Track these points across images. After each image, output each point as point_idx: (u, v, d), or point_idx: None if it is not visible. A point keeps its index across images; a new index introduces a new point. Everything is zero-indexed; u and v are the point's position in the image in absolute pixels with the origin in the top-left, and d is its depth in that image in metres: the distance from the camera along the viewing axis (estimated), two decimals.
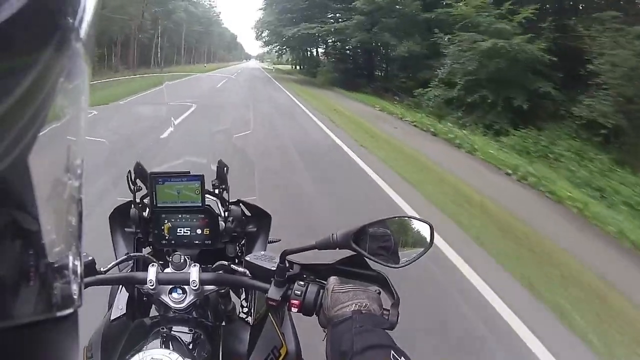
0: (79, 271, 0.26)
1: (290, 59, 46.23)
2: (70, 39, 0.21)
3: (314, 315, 0.69)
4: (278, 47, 32.25)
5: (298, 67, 40.31)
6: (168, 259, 0.82)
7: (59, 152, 0.23)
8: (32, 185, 0.20)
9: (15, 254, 0.20)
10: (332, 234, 0.67)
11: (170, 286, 0.79)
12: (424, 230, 0.69)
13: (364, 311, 0.61)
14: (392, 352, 0.53)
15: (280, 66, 53.58)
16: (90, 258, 0.77)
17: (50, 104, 0.20)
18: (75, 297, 0.25)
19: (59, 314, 0.24)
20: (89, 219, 0.28)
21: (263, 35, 36.08)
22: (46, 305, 0.23)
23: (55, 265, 0.23)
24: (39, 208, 0.21)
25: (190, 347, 0.78)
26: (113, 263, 0.84)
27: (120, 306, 0.85)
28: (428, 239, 0.69)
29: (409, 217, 0.72)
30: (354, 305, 0.62)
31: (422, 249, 0.68)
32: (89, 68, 0.24)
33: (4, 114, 0.18)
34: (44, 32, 0.19)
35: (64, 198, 0.24)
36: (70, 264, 0.25)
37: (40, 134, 0.20)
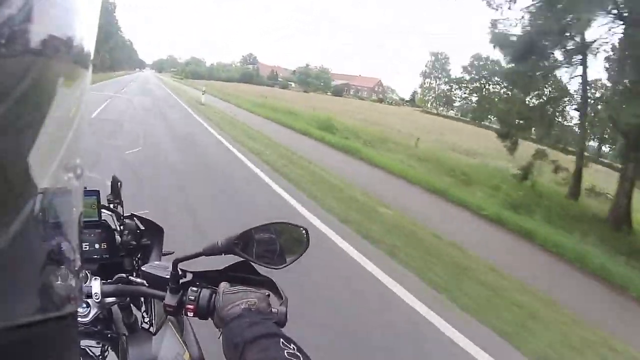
0: (77, 272, 0.27)
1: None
2: (69, 40, 0.22)
3: (209, 320, 0.72)
4: None
5: None
6: None
7: (58, 152, 0.23)
8: (32, 185, 0.20)
9: (15, 254, 0.20)
10: (217, 241, 0.71)
11: None
12: (301, 233, 0.76)
13: (253, 309, 0.64)
14: (281, 339, 0.56)
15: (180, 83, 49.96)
16: None
17: (50, 104, 0.21)
18: (74, 297, 0.26)
19: (58, 313, 0.24)
20: None
21: None
22: (46, 305, 0.23)
23: (55, 266, 0.24)
24: (39, 209, 0.21)
25: (100, 359, 0.79)
26: None
27: None
28: (305, 241, 0.76)
29: (288, 223, 0.77)
30: (244, 304, 0.65)
31: (301, 250, 0.75)
32: (88, 71, 0.25)
33: (4, 114, 0.18)
34: (44, 32, 0.20)
35: (64, 200, 0.24)
36: (70, 265, 0.25)
37: (40, 135, 0.20)
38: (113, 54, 63.58)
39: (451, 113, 51.07)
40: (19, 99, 0.18)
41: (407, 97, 66.85)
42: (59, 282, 0.24)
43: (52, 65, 0.20)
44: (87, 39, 0.24)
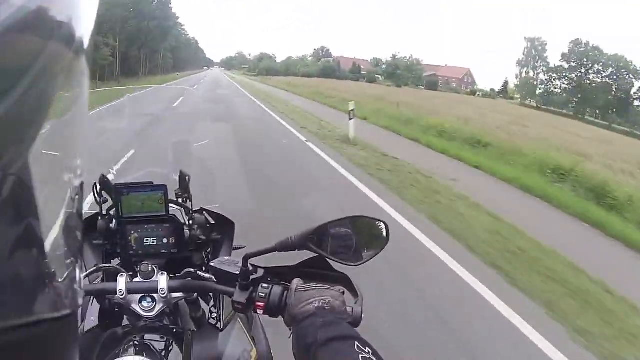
0: (77, 272, 0.27)
1: None
2: (69, 41, 0.22)
3: (279, 317, 0.71)
4: None
5: None
6: (136, 268, 0.84)
7: (58, 155, 0.23)
8: (32, 187, 0.20)
9: (15, 254, 0.20)
10: (291, 236, 0.68)
11: (140, 295, 0.80)
12: (380, 227, 0.73)
13: (327, 307, 0.62)
14: (356, 342, 0.53)
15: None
16: None
17: (50, 105, 0.21)
18: (74, 297, 0.26)
19: (58, 314, 0.24)
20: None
21: None
22: (46, 305, 0.23)
23: (55, 266, 0.23)
24: (39, 209, 0.21)
25: (163, 354, 0.80)
26: (83, 275, 0.85)
27: (92, 317, 0.85)
28: (385, 236, 0.73)
29: (366, 217, 0.74)
30: (318, 302, 0.63)
31: (380, 246, 0.72)
32: (88, 71, 0.25)
33: (4, 114, 0.18)
34: (43, 33, 0.20)
35: (64, 200, 0.24)
36: (70, 265, 0.26)
37: (40, 136, 0.20)
38: (176, 53, 60.10)
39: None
40: (19, 98, 0.18)
41: (497, 88, 61.75)
42: (57, 283, 0.24)
43: (52, 65, 0.20)
44: (85, 37, 0.23)
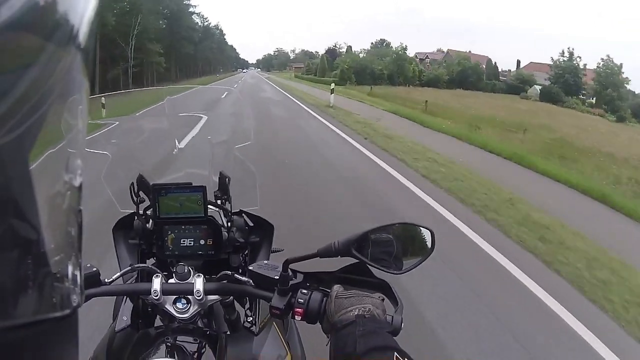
0: (78, 272, 0.26)
1: None
2: (69, 41, 0.22)
3: (317, 323, 0.69)
4: None
5: None
6: (172, 269, 0.83)
7: (59, 155, 0.23)
8: (32, 186, 0.20)
9: (16, 255, 0.20)
10: (334, 242, 0.67)
11: (175, 296, 0.80)
12: (425, 236, 0.71)
13: (367, 315, 0.61)
14: (395, 353, 0.53)
15: None
16: (94, 269, 0.78)
17: (50, 105, 0.21)
18: (74, 297, 0.26)
19: (58, 314, 0.24)
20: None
21: None
22: (46, 306, 0.23)
23: (55, 266, 0.23)
24: (39, 209, 0.21)
25: (195, 356, 0.79)
26: (117, 274, 0.85)
27: (125, 317, 0.85)
28: (429, 245, 0.70)
29: (410, 224, 0.72)
30: (358, 310, 0.62)
31: (424, 255, 0.70)
32: (88, 71, 0.25)
33: (4, 114, 0.18)
34: (44, 33, 0.20)
35: (65, 198, 0.24)
36: (70, 265, 0.25)
37: (40, 136, 0.20)
38: (201, 52, 48.52)
39: None
40: (19, 98, 0.18)
41: None
42: (59, 283, 0.24)
43: (52, 65, 0.20)
44: (85, 40, 0.23)
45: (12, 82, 0.18)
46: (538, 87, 48.10)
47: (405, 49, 57.53)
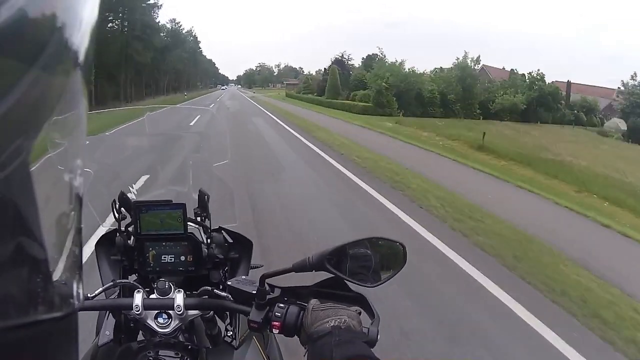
0: (78, 273, 0.27)
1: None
2: (69, 43, 0.22)
3: (295, 336, 0.71)
4: None
5: None
6: (153, 285, 0.85)
7: (59, 156, 0.23)
8: (32, 188, 0.21)
9: (16, 255, 0.20)
10: (308, 257, 0.69)
11: (156, 311, 0.81)
12: (397, 250, 0.74)
13: (343, 326, 0.62)
14: None
15: None
16: None
17: (50, 106, 0.22)
18: (74, 298, 0.26)
19: (58, 314, 0.25)
20: None
21: None
22: (46, 306, 0.23)
23: (55, 267, 0.24)
24: (39, 210, 0.21)
25: None
26: (100, 289, 0.86)
27: (107, 332, 0.86)
28: (402, 258, 0.74)
29: (385, 238, 0.75)
30: (334, 321, 0.63)
31: (397, 268, 0.73)
32: (87, 72, 0.25)
33: (4, 114, 0.18)
34: (43, 34, 0.20)
35: (64, 201, 0.25)
36: (70, 266, 0.26)
37: (40, 136, 0.21)
38: (169, 63, 39.80)
39: None
40: (19, 98, 0.18)
41: None
42: (57, 283, 0.24)
43: (51, 66, 0.20)
44: (86, 38, 0.23)
45: (12, 82, 0.18)
46: (619, 121, 36.27)
47: (477, 60, 35.98)
